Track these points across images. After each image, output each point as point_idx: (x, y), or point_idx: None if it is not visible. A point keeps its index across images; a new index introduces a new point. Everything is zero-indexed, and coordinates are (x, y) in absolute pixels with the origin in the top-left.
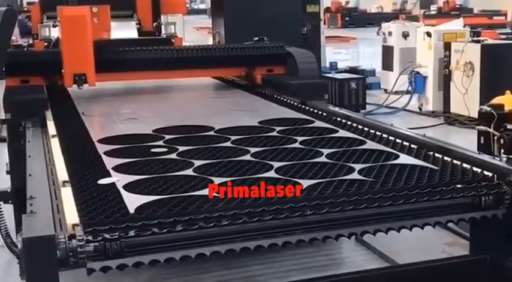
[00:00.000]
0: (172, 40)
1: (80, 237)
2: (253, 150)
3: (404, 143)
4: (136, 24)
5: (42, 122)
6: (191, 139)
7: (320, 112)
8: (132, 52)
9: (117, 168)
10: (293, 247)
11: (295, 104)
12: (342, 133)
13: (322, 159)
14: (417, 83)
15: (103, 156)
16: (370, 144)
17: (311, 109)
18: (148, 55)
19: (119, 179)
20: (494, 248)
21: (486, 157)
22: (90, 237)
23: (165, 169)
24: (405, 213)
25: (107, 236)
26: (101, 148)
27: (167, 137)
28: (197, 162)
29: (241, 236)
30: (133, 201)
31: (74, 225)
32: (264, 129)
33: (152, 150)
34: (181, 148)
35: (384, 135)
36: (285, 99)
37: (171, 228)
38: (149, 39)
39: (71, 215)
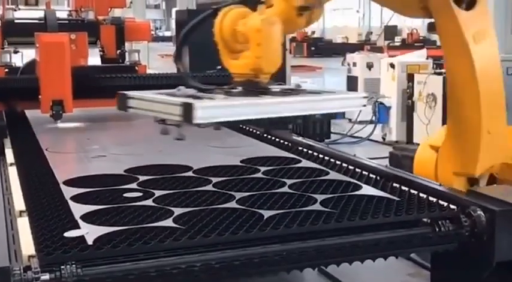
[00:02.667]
0: (136, 68)
1: (36, 270)
2: (238, 195)
3: (367, 173)
4: (100, 51)
5: (0, 149)
6: (168, 181)
7: (284, 142)
8: (99, 80)
9: (86, 218)
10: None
11: (258, 133)
12: (333, 175)
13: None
14: (381, 113)
15: (70, 202)
16: (332, 175)
17: (276, 140)
18: (114, 82)
19: (89, 232)
20: (455, 278)
21: (447, 189)
22: (46, 269)
23: (140, 218)
24: (368, 244)
25: (63, 268)
26: (68, 192)
27: (141, 178)
28: (177, 211)
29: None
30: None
31: (29, 257)
32: (247, 169)
33: (125, 194)
34: (157, 192)
35: (350, 167)
36: (249, 129)
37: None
38: (113, 67)
39: (27, 246)
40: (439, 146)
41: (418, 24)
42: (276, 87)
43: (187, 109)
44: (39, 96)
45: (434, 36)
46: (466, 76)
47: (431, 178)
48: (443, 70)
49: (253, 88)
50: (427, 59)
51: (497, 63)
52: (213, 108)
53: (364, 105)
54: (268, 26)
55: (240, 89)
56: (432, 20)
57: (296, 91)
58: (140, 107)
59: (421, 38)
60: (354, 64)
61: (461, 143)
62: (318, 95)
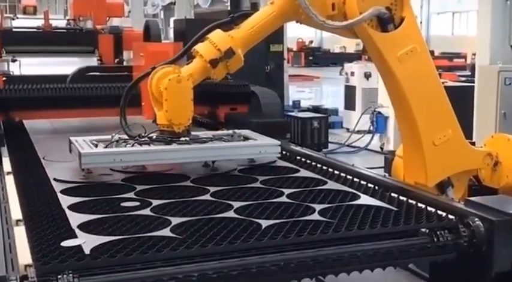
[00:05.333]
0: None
1: (32, 279)
2: (236, 204)
3: (366, 183)
4: (98, 60)
5: None
6: (166, 191)
7: (282, 152)
8: (88, 89)
9: (83, 227)
10: None
11: None
12: (332, 185)
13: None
14: (379, 122)
15: (67, 211)
16: (330, 184)
17: None
18: (104, 92)
19: (86, 241)
20: None
21: (445, 199)
22: (42, 279)
23: (138, 228)
24: (366, 254)
25: (60, 277)
26: (65, 201)
27: (139, 187)
28: (174, 220)
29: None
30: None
31: (26, 266)
32: (245, 179)
33: (123, 204)
34: (155, 202)
35: (349, 177)
36: None
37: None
38: (109, 76)
39: (24, 255)
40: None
41: None
42: (190, 136)
43: (79, 156)
44: (142, 103)
45: (432, 46)
46: (396, 93)
47: None
48: (441, 80)
49: (170, 136)
50: None
51: (431, 78)
52: (97, 155)
53: (280, 153)
54: (174, 84)
55: (156, 136)
56: None
57: (207, 139)
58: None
59: None
60: (352, 74)
61: (411, 155)
62: (225, 143)
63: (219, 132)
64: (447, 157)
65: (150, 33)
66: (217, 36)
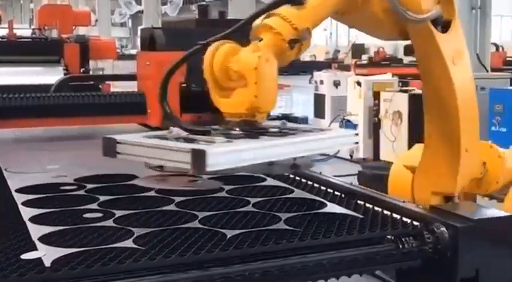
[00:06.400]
0: (100, 86)
1: None
2: (201, 214)
3: (332, 191)
4: (64, 69)
5: None
6: (130, 201)
7: None
8: (58, 98)
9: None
10: None
11: None
12: (298, 193)
13: (281, 225)
14: None
15: (28, 223)
16: (297, 193)
17: None
18: (78, 101)
19: (46, 254)
20: None
21: (410, 205)
22: None
23: (100, 239)
24: (332, 263)
25: None
26: (26, 213)
27: (102, 198)
28: (137, 231)
29: None
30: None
31: None
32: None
33: (85, 215)
34: (118, 213)
35: (316, 185)
36: None
37: None
38: (75, 85)
39: None
40: (414, 166)
41: (384, 43)
42: (271, 127)
43: (198, 156)
44: (148, 111)
45: (400, 55)
46: (446, 97)
47: (407, 198)
48: (408, 88)
49: (250, 128)
50: (392, 77)
51: (472, 82)
52: (226, 154)
53: (357, 143)
54: (265, 63)
55: (237, 130)
56: (408, 42)
57: (289, 130)
58: (133, 153)
59: (387, 56)
60: (321, 82)
61: (440, 163)
62: (312, 135)
63: (269, 122)
64: (472, 164)
65: (155, 43)
66: (291, 13)
